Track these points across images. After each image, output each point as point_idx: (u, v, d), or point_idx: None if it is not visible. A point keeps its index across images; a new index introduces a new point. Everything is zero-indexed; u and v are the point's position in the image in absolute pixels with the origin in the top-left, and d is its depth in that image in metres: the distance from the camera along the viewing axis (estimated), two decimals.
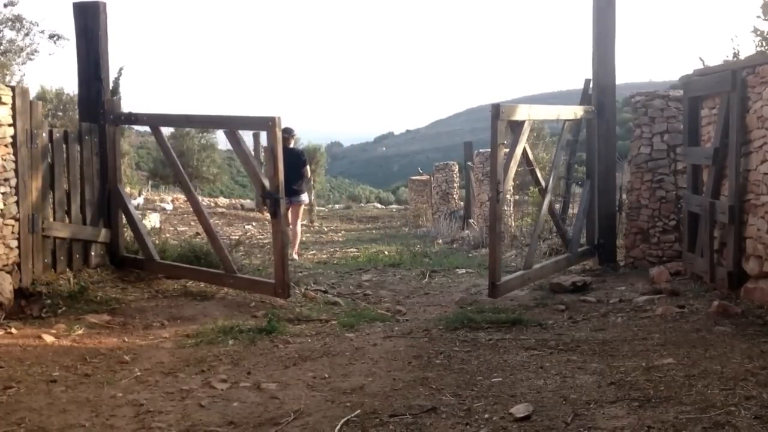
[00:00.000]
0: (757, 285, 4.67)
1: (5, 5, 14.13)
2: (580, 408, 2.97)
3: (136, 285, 5.65)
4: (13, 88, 5.05)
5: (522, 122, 5.52)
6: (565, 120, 6.35)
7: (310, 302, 5.72)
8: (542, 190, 6.16)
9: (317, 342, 4.40)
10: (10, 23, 14.05)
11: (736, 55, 6.84)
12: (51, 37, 14.28)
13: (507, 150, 6.01)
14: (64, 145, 5.55)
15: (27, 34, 14.30)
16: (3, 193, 4.92)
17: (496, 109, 5.14)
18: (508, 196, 10.25)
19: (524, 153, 5.76)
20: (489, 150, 14.99)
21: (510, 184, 5.60)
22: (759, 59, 4.91)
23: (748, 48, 6.79)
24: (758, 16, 6.55)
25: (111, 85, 6.05)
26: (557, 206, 6.80)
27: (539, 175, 6.24)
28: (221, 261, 5.63)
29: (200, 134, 28.35)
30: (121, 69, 8.09)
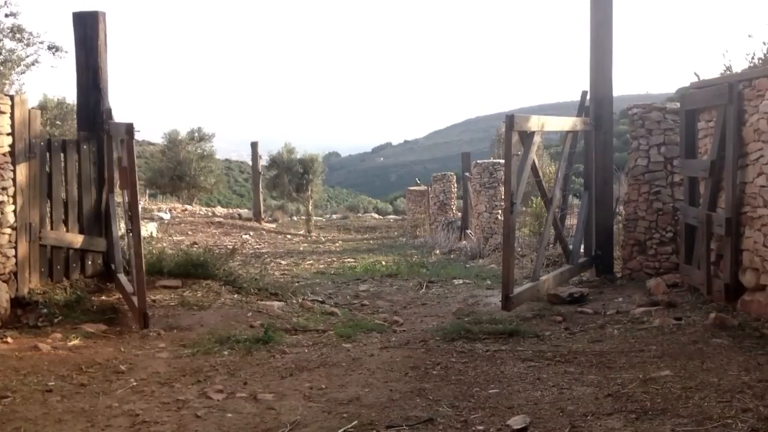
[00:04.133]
0: (754, 297, 4.67)
1: (6, 15, 14.17)
2: (577, 420, 2.97)
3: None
4: (12, 98, 5.06)
5: (532, 133, 5.51)
6: (568, 131, 6.36)
7: (307, 312, 5.71)
8: (547, 201, 6.17)
9: (314, 352, 4.39)
10: (10, 33, 14.08)
11: (728, 68, 6.88)
12: (50, 48, 14.32)
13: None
14: (62, 154, 5.56)
15: (28, 45, 14.32)
16: (0, 202, 4.92)
17: (510, 120, 5.13)
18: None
19: (532, 164, 5.75)
20: (486, 161, 15.04)
21: (522, 194, 5.59)
22: (755, 72, 4.94)
23: (741, 63, 6.85)
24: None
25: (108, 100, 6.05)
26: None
27: (545, 186, 6.25)
28: None
29: (196, 143, 28.37)
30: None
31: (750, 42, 12.67)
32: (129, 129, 4.94)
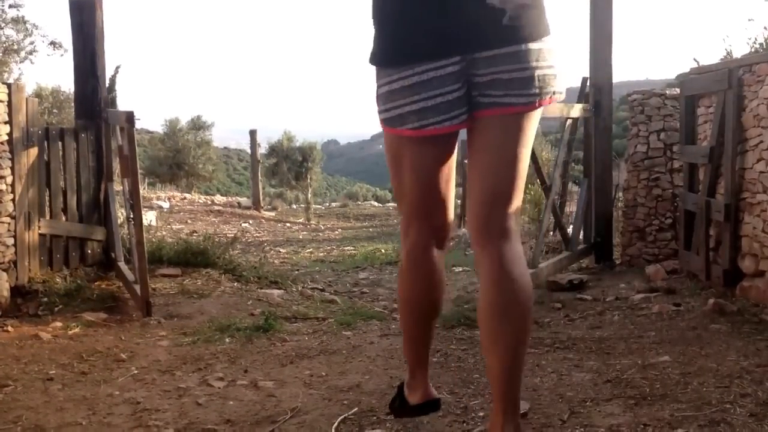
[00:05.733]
0: (753, 283, 4.68)
1: (10, 6, 14.15)
2: (576, 406, 2.98)
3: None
4: (9, 86, 5.04)
5: None
6: (568, 118, 6.33)
7: (306, 300, 5.72)
8: (546, 188, 6.16)
9: (314, 340, 4.40)
10: (12, 23, 14.07)
11: (729, 54, 6.86)
12: (51, 44, 14.32)
13: None
14: (60, 143, 5.55)
15: (28, 35, 14.32)
16: None
17: None
18: None
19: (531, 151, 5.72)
20: None
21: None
22: (755, 58, 4.92)
23: (741, 48, 6.85)
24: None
25: (107, 83, 6.05)
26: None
27: (544, 173, 6.24)
28: None
29: (195, 131, 28.31)
30: (118, 67, 8.10)
31: (751, 26, 12.58)
32: (129, 117, 4.92)
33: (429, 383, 2.41)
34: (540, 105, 1.89)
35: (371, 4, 2.02)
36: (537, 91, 1.86)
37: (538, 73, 1.85)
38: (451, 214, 2.15)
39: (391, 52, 1.91)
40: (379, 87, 1.98)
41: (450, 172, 2.07)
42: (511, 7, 1.80)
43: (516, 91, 1.84)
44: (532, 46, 1.84)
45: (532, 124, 1.94)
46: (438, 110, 1.85)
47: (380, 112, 1.98)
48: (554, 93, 1.89)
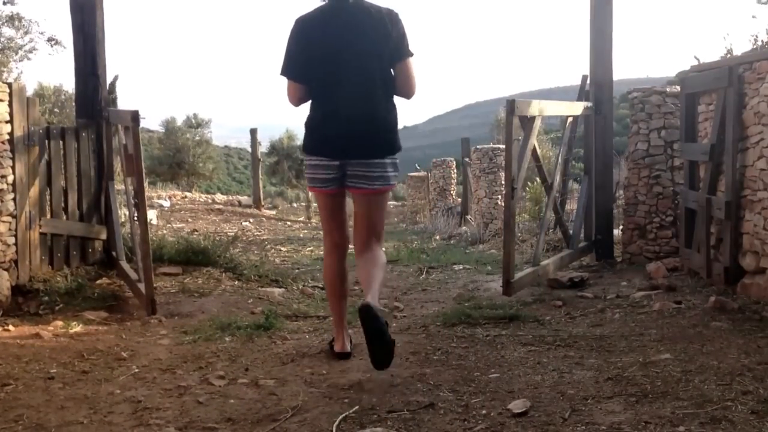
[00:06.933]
0: (754, 280, 4.68)
1: (4, 3, 14.09)
2: (578, 403, 2.98)
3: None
4: (10, 85, 5.04)
5: (533, 118, 5.47)
6: (568, 116, 6.32)
7: (307, 299, 5.72)
8: (548, 186, 6.15)
9: (315, 338, 4.40)
10: (8, 21, 14.02)
11: (729, 51, 6.86)
12: (49, 40, 14.27)
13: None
14: (61, 142, 5.55)
15: (26, 33, 14.27)
16: (0, 190, 4.92)
17: (510, 105, 5.09)
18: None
19: (532, 149, 5.71)
20: (486, 146, 15.03)
21: (522, 179, 5.55)
22: (756, 55, 4.92)
23: (742, 45, 6.85)
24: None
25: (107, 87, 6.03)
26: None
27: (545, 171, 6.23)
28: None
29: (195, 130, 28.30)
30: (116, 76, 8.03)
31: (754, 23, 12.56)
32: (134, 116, 4.92)
33: (346, 340, 3.92)
34: (381, 191, 3.65)
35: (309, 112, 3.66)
36: (380, 183, 3.62)
37: (382, 174, 3.61)
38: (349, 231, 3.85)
39: (311, 148, 3.63)
40: (306, 161, 3.70)
41: (344, 210, 3.82)
42: (381, 134, 3.60)
43: (368, 182, 3.59)
44: (387, 160, 3.64)
45: (385, 197, 3.73)
46: (323, 181, 3.63)
47: (306, 176, 3.76)
48: (389, 184, 3.68)
